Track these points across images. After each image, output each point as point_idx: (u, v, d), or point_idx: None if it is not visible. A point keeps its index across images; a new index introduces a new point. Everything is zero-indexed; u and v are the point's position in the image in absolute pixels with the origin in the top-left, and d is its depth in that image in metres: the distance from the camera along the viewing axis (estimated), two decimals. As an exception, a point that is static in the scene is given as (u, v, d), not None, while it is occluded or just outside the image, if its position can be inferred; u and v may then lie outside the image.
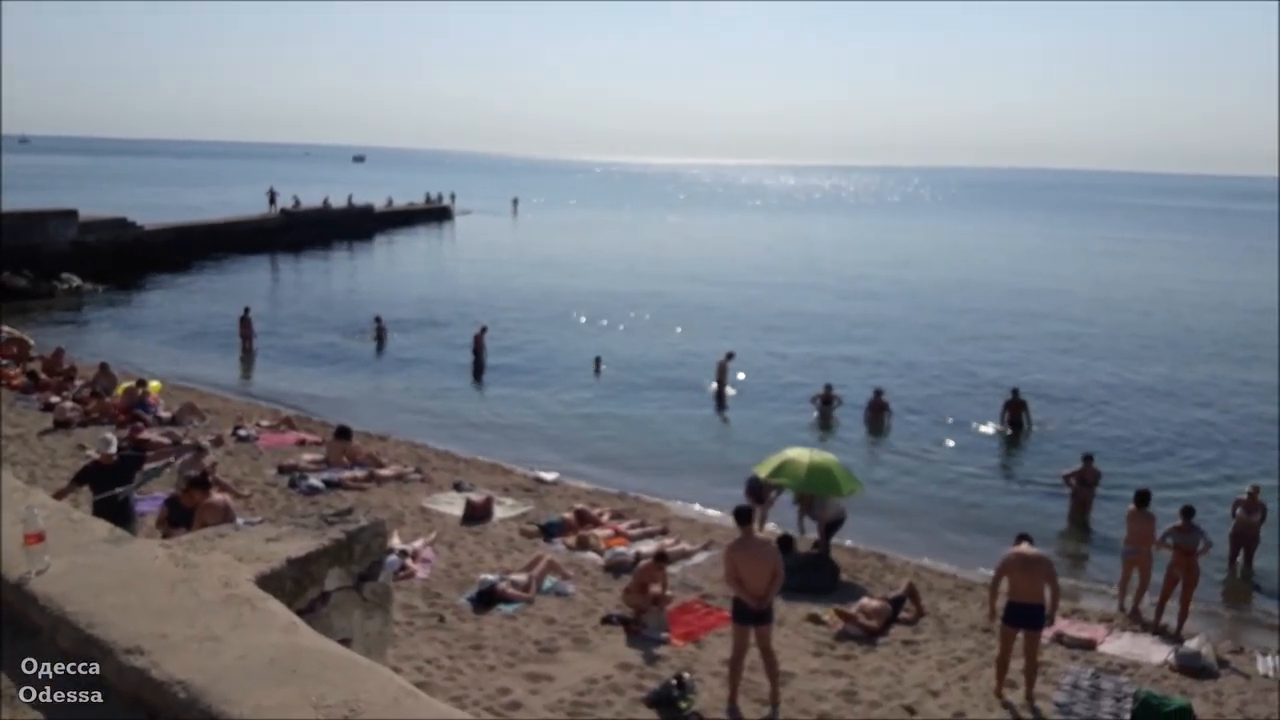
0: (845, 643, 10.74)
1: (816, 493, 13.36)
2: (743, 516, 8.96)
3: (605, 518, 14.25)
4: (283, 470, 15.56)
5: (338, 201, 64.12)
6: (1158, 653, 11.09)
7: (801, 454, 13.58)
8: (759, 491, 13.97)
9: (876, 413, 21.93)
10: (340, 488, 14.87)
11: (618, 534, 13.53)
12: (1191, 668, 10.61)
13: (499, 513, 14.33)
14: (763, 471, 13.63)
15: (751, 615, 8.72)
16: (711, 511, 16.09)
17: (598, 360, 26.59)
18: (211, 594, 3.94)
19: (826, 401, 22.38)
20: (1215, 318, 38.82)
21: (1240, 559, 14.26)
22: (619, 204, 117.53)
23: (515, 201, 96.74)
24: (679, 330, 33.07)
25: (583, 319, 34.42)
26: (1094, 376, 27.16)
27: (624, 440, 20.50)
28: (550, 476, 16.88)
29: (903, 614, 11.59)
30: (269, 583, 4.24)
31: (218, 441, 16.82)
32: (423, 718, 3.22)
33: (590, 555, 12.79)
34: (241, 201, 68.07)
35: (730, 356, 24.84)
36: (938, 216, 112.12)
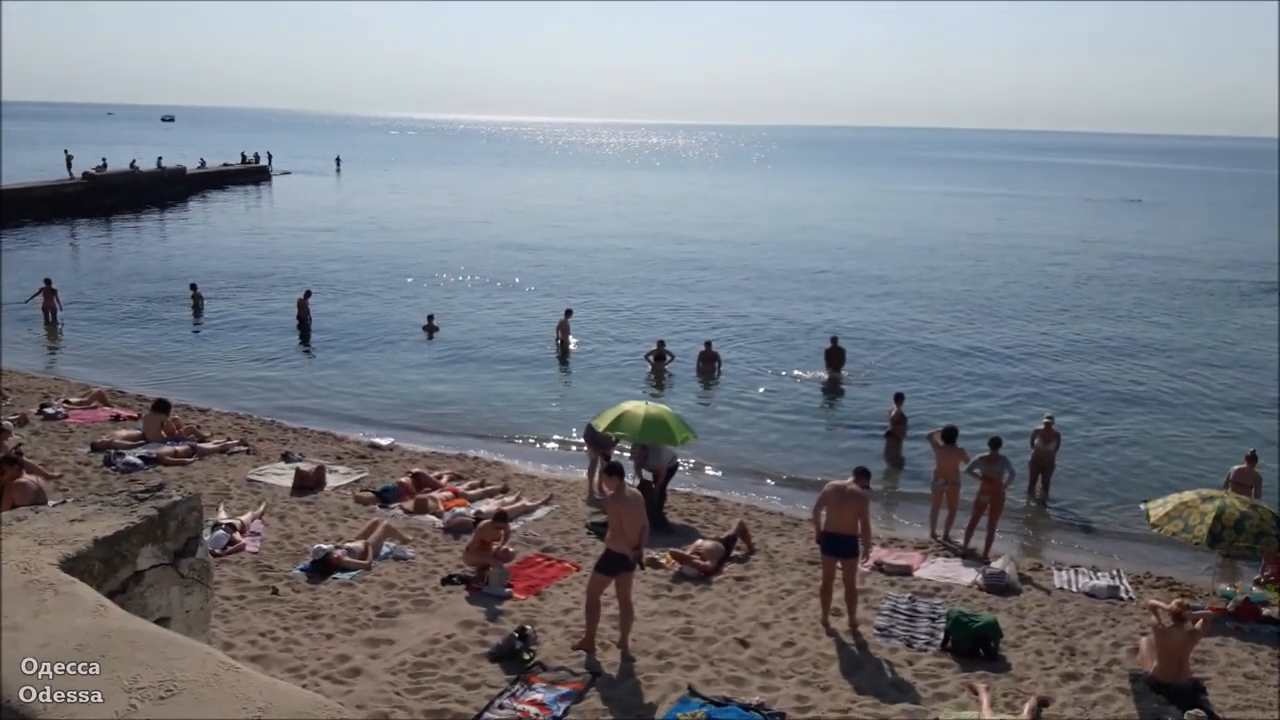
0: (682, 584, 11.11)
1: (652, 443, 13.63)
2: (616, 471, 9.14)
3: (444, 480, 14.17)
4: (96, 448, 14.70)
5: (146, 164, 60.23)
6: (967, 575, 11.97)
7: (637, 406, 13.81)
8: (600, 442, 14.20)
9: (708, 363, 22.53)
10: (160, 464, 14.16)
11: (457, 495, 13.48)
12: (997, 586, 11.52)
13: (332, 481, 13.99)
14: (600, 424, 13.80)
15: (620, 565, 8.95)
16: (552, 467, 16.27)
17: (430, 319, 26.14)
18: (9, 581, 3.74)
19: (660, 357, 22.78)
20: (1021, 266, 41.49)
21: (1039, 484, 15.51)
22: (448, 161, 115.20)
23: (338, 160, 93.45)
24: (513, 288, 32.91)
25: (412, 280, 33.72)
26: (906, 323, 28.60)
27: (462, 400, 20.32)
28: (385, 441, 16.58)
29: (735, 552, 12.08)
30: (75, 565, 4.06)
31: (22, 421, 15.74)
32: (244, 691, 3.18)
33: (429, 518, 12.69)
34: (35, 165, 62.94)
35: (569, 313, 24.97)
36: (769, 174, 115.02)
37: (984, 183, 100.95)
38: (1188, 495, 11.52)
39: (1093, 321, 29.39)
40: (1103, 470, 16.84)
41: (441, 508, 12.92)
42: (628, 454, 14.58)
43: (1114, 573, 12.23)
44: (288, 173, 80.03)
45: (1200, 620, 9.33)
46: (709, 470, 16.58)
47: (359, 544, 11.10)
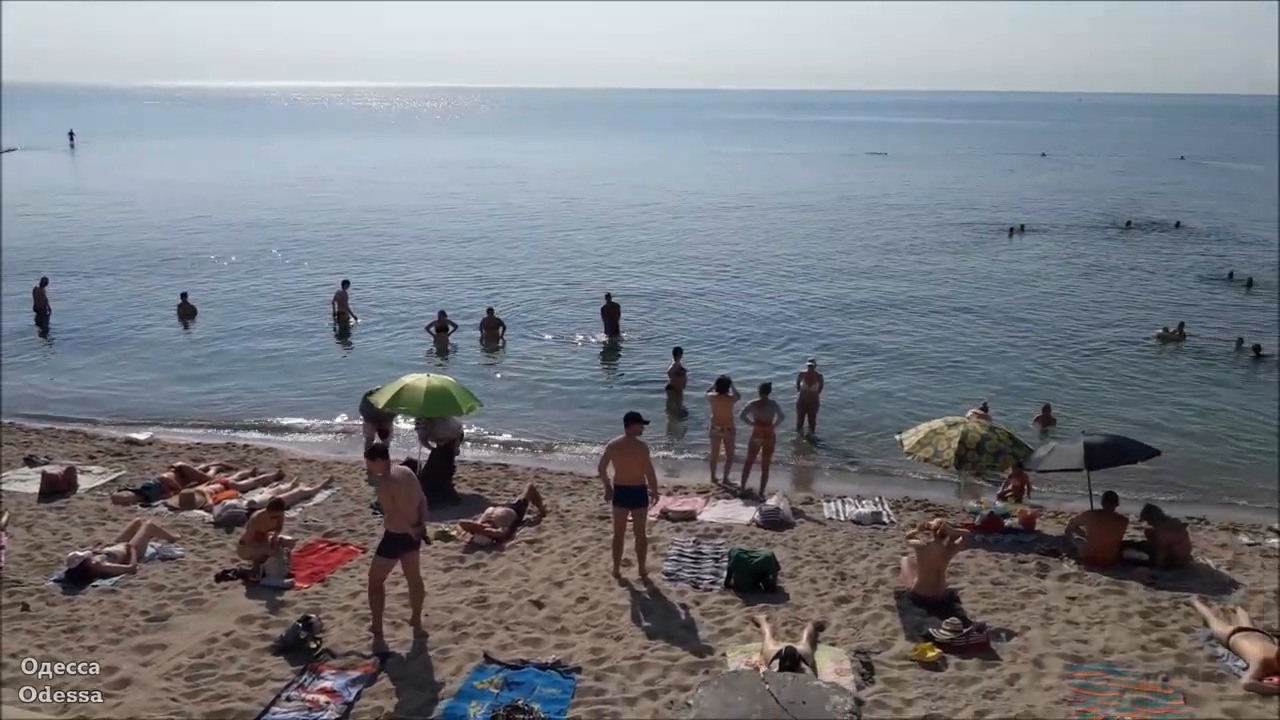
0: (474, 553, 11.06)
1: (437, 415, 13.42)
2: (379, 453, 8.85)
3: (211, 471, 13.46)
4: None
5: None
6: (746, 514, 12.58)
7: (419, 380, 13.52)
8: (378, 417, 13.87)
9: (490, 330, 22.38)
10: (-127, 483, 12.62)
11: (227, 486, 12.82)
12: (773, 521, 12.19)
13: (85, 482, 12.96)
14: (380, 400, 13.43)
15: (402, 545, 8.75)
16: (331, 448, 15.74)
17: (184, 298, 24.42)
18: None
19: (441, 329, 22.38)
20: (780, 223, 43.34)
21: (806, 424, 16.46)
22: (208, 133, 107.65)
23: (71, 135, 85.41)
24: (278, 264, 31.39)
25: (163, 261, 31.39)
26: (677, 284, 29.28)
27: (228, 384, 19.27)
28: (143, 436, 15.52)
29: (527, 516, 12.17)
30: None
31: None
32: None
33: (197, 513, 12.02)
34: None
35: (346, 285, 24.11)
36: (547, 139, 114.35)
37: (746, 142, 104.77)
38: (936, 423, 12.59)
39: (847, 273, 30.89)
40: (861, 407, 18.03)
41: (210, 501, 12.28)
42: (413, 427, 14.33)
43: (876, 499, 13.21)
44: (13, 149, 72.34)
45: (960, 538, 10.27)
46: (497, 437, 16.57)
47: (120, 547, 10.35)
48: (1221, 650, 8.69)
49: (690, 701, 6.93)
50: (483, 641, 8.79)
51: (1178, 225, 40.59)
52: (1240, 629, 8.81)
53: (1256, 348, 21.10)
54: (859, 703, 6.93)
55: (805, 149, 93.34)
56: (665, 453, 15.69)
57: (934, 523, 10.56)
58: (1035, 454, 12.41)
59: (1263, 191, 55.69)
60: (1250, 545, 11.81)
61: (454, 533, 11.51)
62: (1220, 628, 8.99)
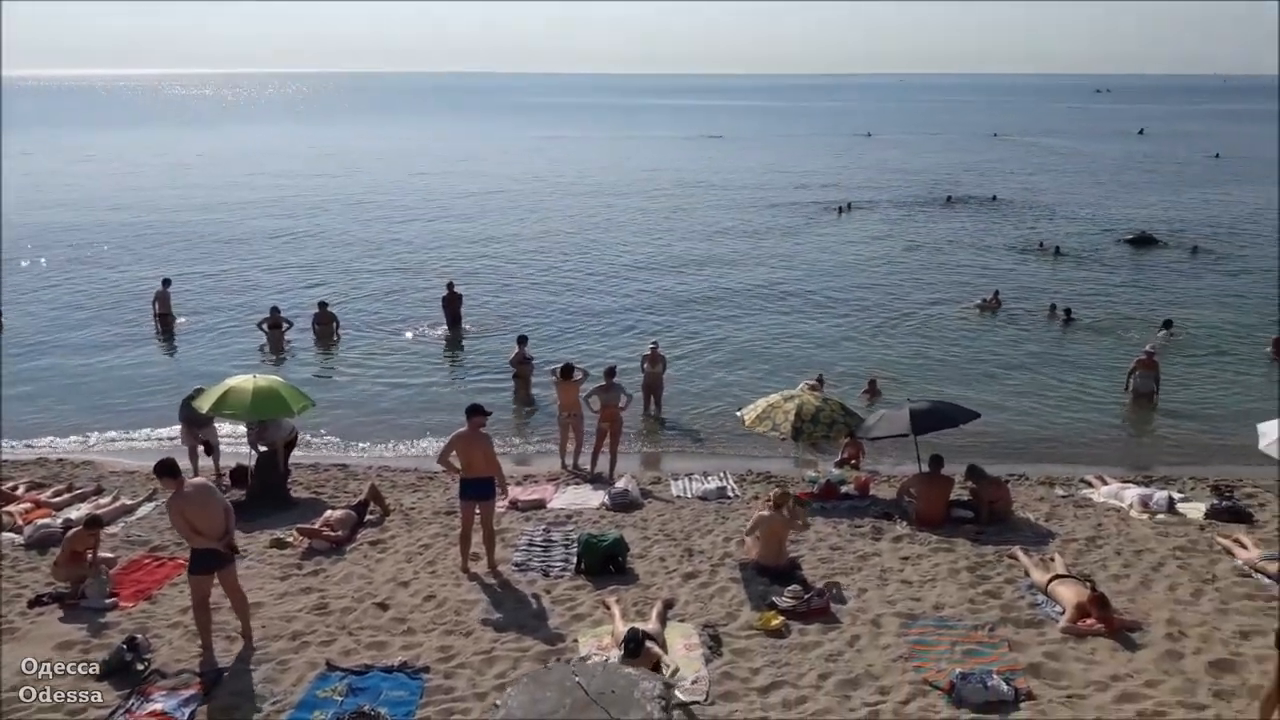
0: (313, 559, 10.67)
1: (267, 417, 12.85)
2: (165, 470, 8.33)
3: (21, 490, 12.53)
4: None
5: None
6: (595, 498, 12.63)
7: (244, 382, 12.89)
8: (198, 422, 13.24)
9: (324, 325, 21.57)
10: None
11: (39, 505, 11.96)
12: (622, 503, 12.28)
13: None
14: (205, 404, 12.76)
15: (213, 561, 8.32)
16: (155, 458, 14.81)
17: None
18: None
19: (275, 325, 21.42)
20: (619, 204, 43.61)
21: (652, 404, 16.62)
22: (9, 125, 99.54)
23: None
24: (86, 262, 29.47)
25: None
26: (518, 269, 29.07)
27: (37, 395, 17.92)
28: (-59, 457, 14.27)
29: (370, 516, 11.82)
30: None
31: None
32: None
33: (6, 535, 11.14)
34: None
35: (167, 283, 22.79)
36: (375, 124, 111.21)
37: (587, 127, 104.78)
38: (773, 397, 12.98)
39: (684, 259, 30.68)
40: (704, 386, 18.29)
41: (20, 521, 11.41)
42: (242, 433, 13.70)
43: (721, 475, 13.48)
44: None
45: (800, 520, 10.62)
46: (334, 437, 16.01)
47: (-86, 580, 9.49)
48: (1041, 597, 9.27)
49: (498, 703, 6.86)
50: (324, 649, 8.49)
51: (994, 199, 42.94)
52: (1056, 576, 9.43)
53: (1068, 311, 22.61)
54: (668, 686, 7.06)
55: (646, 133, 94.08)
56: (514, 441, 15.59)
57: (773, 493, 10.82)
58: (866, 422, 12.94)
59: (1066, 164, 59.67)
60: (1064, 497, 12.67)
61: (290, 539, 11.08)
62: (1039, 576, 9.59)
